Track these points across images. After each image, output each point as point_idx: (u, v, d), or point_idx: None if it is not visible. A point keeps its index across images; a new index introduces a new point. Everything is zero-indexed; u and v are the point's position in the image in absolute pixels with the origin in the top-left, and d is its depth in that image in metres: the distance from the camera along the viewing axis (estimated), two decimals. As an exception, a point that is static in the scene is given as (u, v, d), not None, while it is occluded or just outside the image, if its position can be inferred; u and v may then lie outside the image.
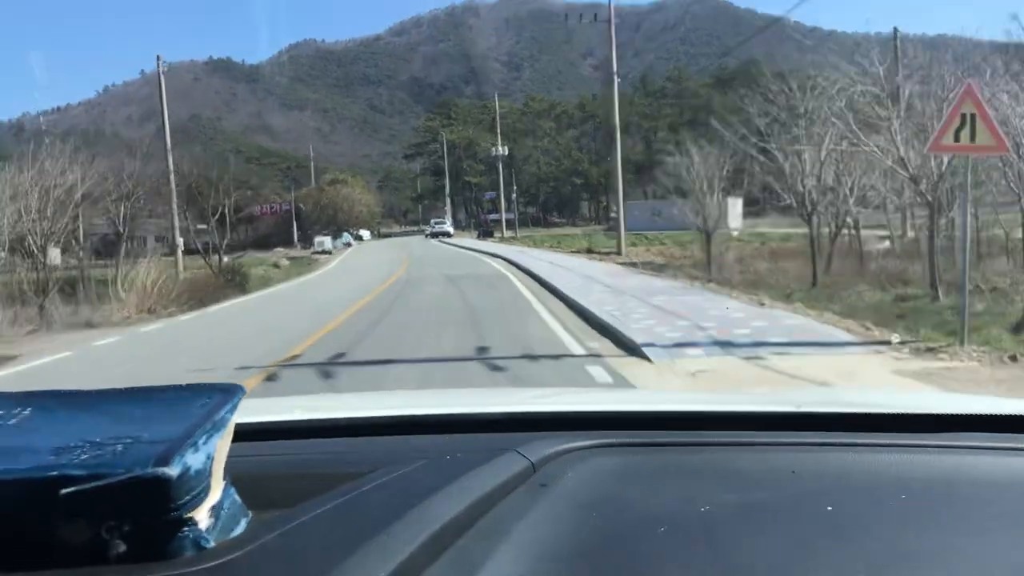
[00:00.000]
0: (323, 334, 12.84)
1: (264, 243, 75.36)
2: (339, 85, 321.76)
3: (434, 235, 73.97)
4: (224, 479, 0.71)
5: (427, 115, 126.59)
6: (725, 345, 9.33)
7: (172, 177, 34.54)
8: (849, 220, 22.47)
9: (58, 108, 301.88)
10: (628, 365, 8.80)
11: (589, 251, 36.58)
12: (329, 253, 50.56)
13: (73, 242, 32.18)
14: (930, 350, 8.56)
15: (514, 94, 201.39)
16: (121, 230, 32.36)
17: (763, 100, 24.16)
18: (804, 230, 19.87)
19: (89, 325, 17.76)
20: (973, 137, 8.55)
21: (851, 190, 19.26)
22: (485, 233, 68.67)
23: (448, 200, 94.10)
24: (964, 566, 0.79)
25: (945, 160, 12.46)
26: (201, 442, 0.67)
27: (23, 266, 22.35)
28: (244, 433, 0.77)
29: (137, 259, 29.72)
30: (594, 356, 9.52)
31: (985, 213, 18.92)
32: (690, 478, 1.03)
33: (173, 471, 0.62)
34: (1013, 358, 8.10)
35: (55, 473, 0.61)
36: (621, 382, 7.85)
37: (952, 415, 1.24)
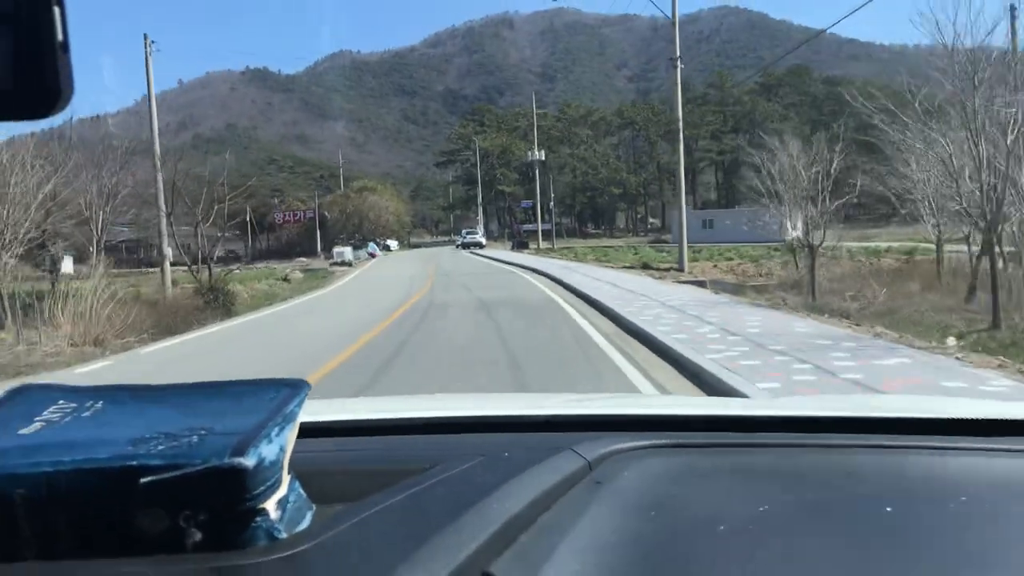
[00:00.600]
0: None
1: (287, 252, 70.34)
2: (374, 96, 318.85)
3: (465, 246, 68.64)
4: (289, 474, 0.72)
5: (460, 122, 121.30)
6: None
7: (159, 176, 29.08)
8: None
9: (96, 116, 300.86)
10: None
11: (645, 267, 30.77)
12: (349, 265, 45.20)
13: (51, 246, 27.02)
14: None
15: (548, 106, 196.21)
16: (97, 235, 26.93)
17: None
18: (900, 243, 14.91)
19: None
20: None
21: None
22: (520, 244, 62.97)
23: (480, 209, 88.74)
24: None
25: None
26: (274, 434, 0.68)
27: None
28: (302, 431, 0.78)
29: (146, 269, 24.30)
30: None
31: None
32: (746, 478, 1.02)
33: (249, 462, 0.63)
34: None
35: (134, 463, 0.63)
36: None
37: (1009, 420, 1.22)
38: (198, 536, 0.62)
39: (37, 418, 0.72)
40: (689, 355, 8.92)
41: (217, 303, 21.91)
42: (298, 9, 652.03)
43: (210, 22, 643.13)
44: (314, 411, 0.91)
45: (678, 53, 30.61)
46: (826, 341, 9.79)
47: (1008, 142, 12.08)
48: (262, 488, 0.65)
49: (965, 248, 18.82)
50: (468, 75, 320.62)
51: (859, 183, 22.46)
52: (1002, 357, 8.61)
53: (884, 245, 33.06)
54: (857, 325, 11.95)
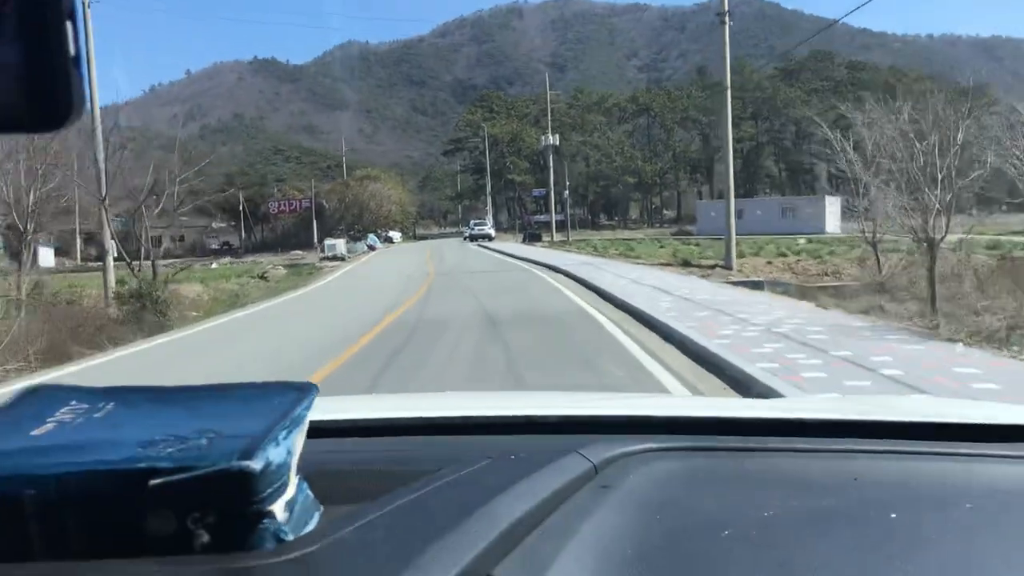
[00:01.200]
0: None
1: (282, 244, 65.24)
2: (382, 86, 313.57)
3: (473, 238, 63.45)
4: (297, 475, 0.72)
5: (468, 108, 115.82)
6: None
7: (101, 155, 23.92)
8: None
9: (105, 107, 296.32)
10: None
11: (685, 264, 25.51)
12: (342, 259, 40.07)
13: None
14: None
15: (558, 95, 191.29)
16: (24, 228, 21.85)
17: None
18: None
19: None
20: None
21: None
22: (531, 236, 57.64)
23: (489, 199, 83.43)
24: None
25: None
26: (281, 437, 0.69)
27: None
28: (311, 431, 0.79)
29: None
30: None
31: None
32: (753, 483, 1.02)
33: (257, 465, 0.64)
34: None
35: (144, 465, 0.63)
36: None
37: (1017, 426, 1.21)
38: (206, 538, 0.63)
39: (49, 419, 0.73)
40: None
41: (147, 312, 16.82)
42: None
43: (219, 12, 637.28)
44: (322, 410, 0.92)
45: (726, 8, 25.21)
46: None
47: None
48: (269, 491, 0.65)
49: None
50: (477, 65, 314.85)
51: (988, 159, 17.05)
52: None
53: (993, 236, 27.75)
54: None
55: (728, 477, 1.04)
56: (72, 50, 0.48)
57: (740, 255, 27.66)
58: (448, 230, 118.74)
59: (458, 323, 12.97)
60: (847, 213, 58.96)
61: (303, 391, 0.79)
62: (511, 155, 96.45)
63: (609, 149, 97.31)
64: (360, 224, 65.13)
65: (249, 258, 58.98)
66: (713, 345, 8.79)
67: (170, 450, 0.65)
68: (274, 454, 0.66)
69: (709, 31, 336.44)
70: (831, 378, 6.82)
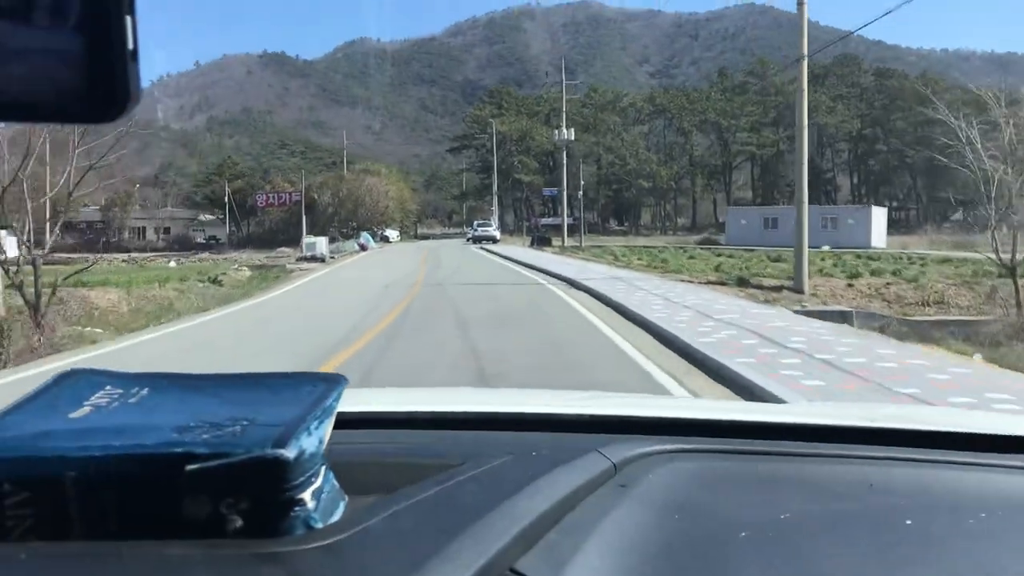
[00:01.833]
0: None
1: (269, 240, 59.43)
2: (392, 84, 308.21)
3: (476, 239, 57.66)
4: (323, 465, 0.73)
5: (476, 104, 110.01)
6: None
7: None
8: None
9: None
10: None
11: (742, 283, 19.66)
12: (322, 260, 34.22)
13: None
14: None
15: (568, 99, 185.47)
16: None
17: None
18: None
19: None
20: None
21: None
22: (540, 240, 51.68)
23: (495, 199, 77.60)
24: None
25: None
26: (313, 427, 0.69)
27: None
28: (338, 422, 0.80)
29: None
30: None
31: None
32: (770, 486, 1.02)
33: (291, 453, 0.64)
34: None
35: (180, 450, 0.64)
36: None
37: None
38: (239, 523, 0.64)
39: (86, 402, 0.74)
40: None
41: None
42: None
43: (229, 4, 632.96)
44: (345, 402, 0.90)
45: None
46: None
47: None
48: (301, 479, 0.66)
49: None
50: (488, 66, 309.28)
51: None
52: None
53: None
54: None
55: (746, 479, 1.04)
56: (131, 44, 0.49)
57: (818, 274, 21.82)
58: (452, 230, 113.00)
59: (440, 370, 7.20)
60: (895, 225, 52.28)
61: (332, 382, 0.80)
62: (519, 154, 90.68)
63: (623, 151, 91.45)
64: (355, 221, 59.40)
65: (232, 254, 53.32)
66: None
67: (205, 436, 0.66)
68: (307, 443, 0.67)
69: (723, 39, 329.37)
70: None
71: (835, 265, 29.67)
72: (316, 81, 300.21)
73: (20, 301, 14.75)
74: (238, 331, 13.96)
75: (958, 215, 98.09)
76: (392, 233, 63.47)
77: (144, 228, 72.99)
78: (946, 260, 30.41)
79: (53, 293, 15.40)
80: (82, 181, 18.78)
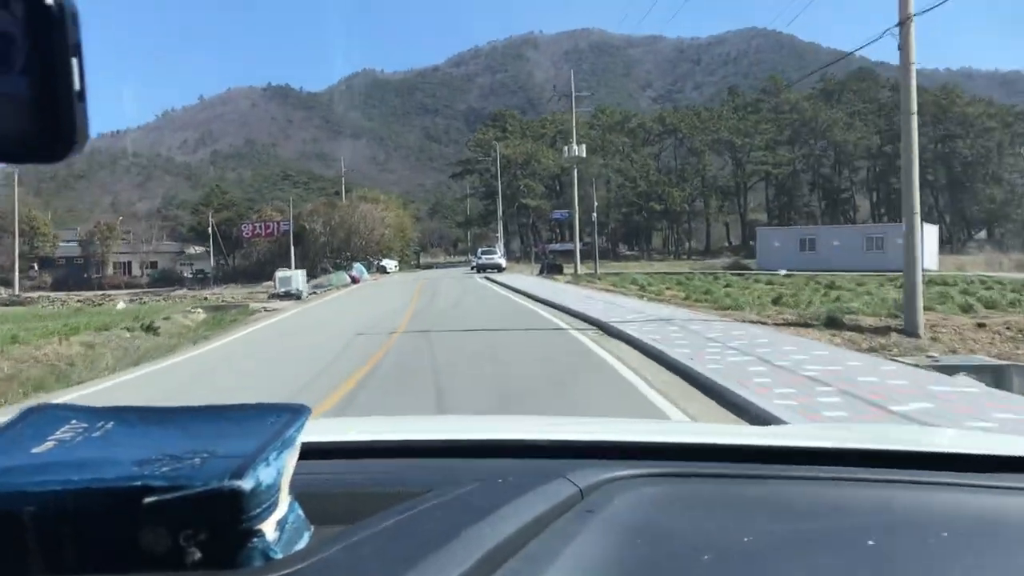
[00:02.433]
0: None
1: (257, 274, 54.22)
2: (396, 114, 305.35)
3: (481, 268, 52.50)
4: (289, 495, 0.72)
5: (480, 128, 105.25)
6: None
7: None
8: None
9: (117, 131, 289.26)
10: None
11: (832, 324, 14.22)
12: (297, 297, 28.88)
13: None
14: None
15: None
16: None
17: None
18: None
19: None
20: None
21: None
22: (551, 268, 46.33)
23: (500, 225, 72.51)
24: None
25: None
26: (272, 458, 0.69)
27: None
28: (305, 452, 0.79)
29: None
30: None
31: None
32: (735, 509, 1.02)
33: (247, 485, 0.64)
34: None
35: (139, 483, 0.64)
36: None
37: (1000, 456, 1.22)
38: (197, 555, 0.63)
39: (50, 437, 0.74)
40: None
41: None
42: (322, 27, 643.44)
43: (233, 39, 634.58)
44: (315, 431, 0.92)
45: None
46: None
47: None
48: (259, 510, 0.65)
49: None
50: (491, 94, 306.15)
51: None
52: None
53: None
54: None
55: (711, 503, 1.04)
56: (77, 85, 0.50)
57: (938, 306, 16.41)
58: (457, 259, 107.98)
59: None
60: (948, 244, 46.52)
61: (296, 413, 0.79)
62: (525, 177, 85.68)
63: (633, 173, 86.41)
64: (348, 251, 54.26)
65: (214, 290, 48.15)
66: None
67: (164, 469, 0.66)
68: (264, 474, 0.67)
69: (724, 63, 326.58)
70: None
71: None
72: (320, 113, 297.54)
73: None
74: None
75: (982, 233, 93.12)
76: (390, 263, 58.27)
77: (130, 263, 68.10)
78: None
79: None
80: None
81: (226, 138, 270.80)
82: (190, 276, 62.56)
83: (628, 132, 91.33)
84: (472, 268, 57.37)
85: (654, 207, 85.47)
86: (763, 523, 0.93)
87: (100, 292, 52.60)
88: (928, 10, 13.94)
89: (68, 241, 67.37)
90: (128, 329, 19.11)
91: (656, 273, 43.27)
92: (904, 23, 13.93)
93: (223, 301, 29.09)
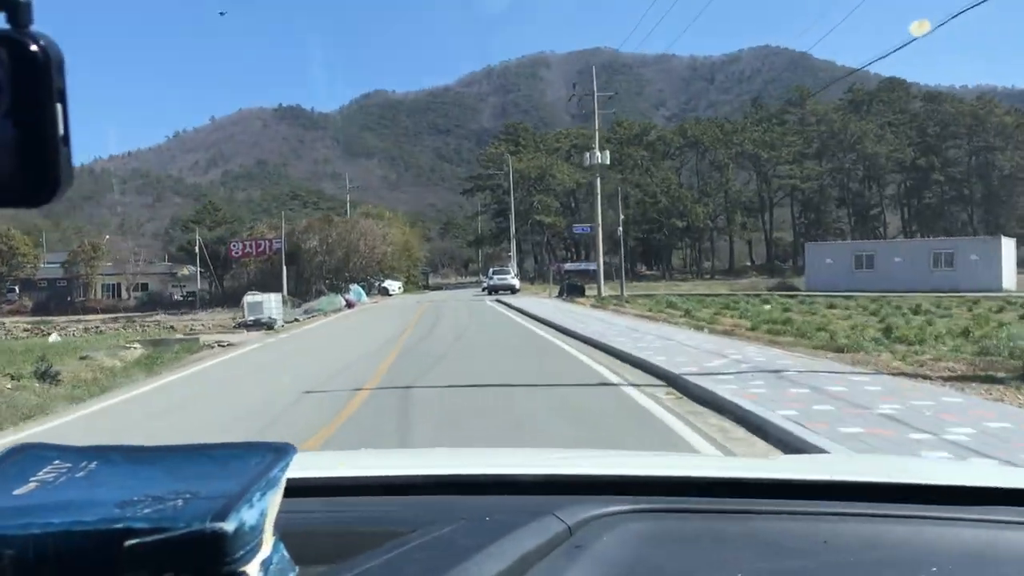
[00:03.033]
0: None
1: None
2: (407, 135, 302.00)
3: (493, 289, 47.48)
4: (274, 535, 0.71)
5: (492, 142, 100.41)
6: None
7: None
8: None
9: (128, 153, 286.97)
10: None
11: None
12: (269, 327, 23.65)
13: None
14: None
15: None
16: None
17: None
18: None
19: None
20: None
21: None
22: (572, 290, 40.98)
23: (513, 243, 67.42)
24: None
25: None
26: (256, 499, 0.68)
27: None
28: (290, 489, 0.79)
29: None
30: None
31: None
32: (724, 545, 1.01)
33: (229, 526, 0.63)
34: None
35: (121, 526, 0.63)
36: None
37: (988, 488, 1.20)
38: None
39: (32, 478, 0.73)
40: None
41: None
42: (333, 49, 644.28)
43: (245, 60, 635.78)
44: (301, 466, 0.91)
45: None
46: None
47: None
48: (242, 552, 0.64)
49: None
50: (503, 114, 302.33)
51: None
52: None
53: None
54: None
55: (700, 539, 1.03)
56: (61, 130, 0.50)
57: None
58: (468, 279, 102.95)
59: None
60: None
61: (280, 452, 0.79)
62: (539, 193, 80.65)
63: (653, 188, 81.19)
64: (347, 271, 49.24)
65: (200, 314, 43.10)
66: None
67: (147, 511, 0.65)
68: (248, 515, 0.66)
69: (739, 82, 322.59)
70: None
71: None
72: (331, 133, 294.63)
73: None
74: None
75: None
76: (393, 285, 53.11)
77: (119, 285, 63.34)
78: None
79: None
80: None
81: (237, 158, 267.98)
82: (180, 299, 57.66)
83: (647, 145, 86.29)
84: (483, 289, 52.37)
85: (676, 224, 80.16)
86: (751, 560, 0.92)
87: (74, 317, 47.71)
88: None
89: (51, 263, 62.91)
90: (13, 377, 13.99)
91: (691, 295, 37.96)
92: None
93: (172, 333, 23.91)
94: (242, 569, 0.64)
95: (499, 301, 37.02)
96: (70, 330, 31.51)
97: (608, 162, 42.84)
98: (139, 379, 13.89)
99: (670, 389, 9.40)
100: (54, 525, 0.63)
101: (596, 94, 41.82)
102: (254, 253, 51.27)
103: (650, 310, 27.25)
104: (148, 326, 31.13)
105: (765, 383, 8.93)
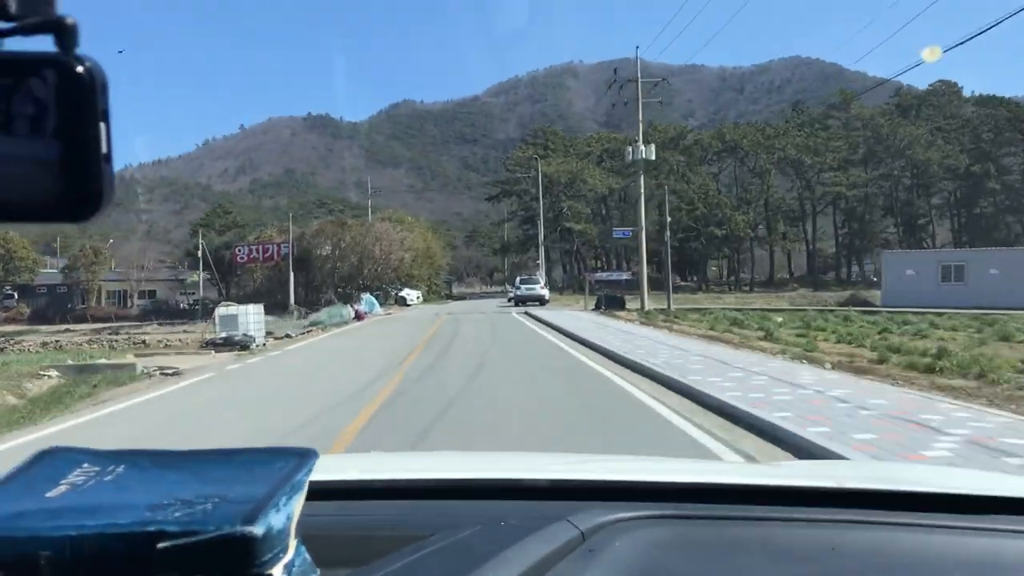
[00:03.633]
0: None
1: (253, 303, 44.83)
2: (435, 144, 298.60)
3: (520, 300, 42.51)
4: (296, 538, 0.71)
5: (520, 145, 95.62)
6: None
7: None
8: None
9: (158, 160, 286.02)
10: None
11: None
12: (243, 347, 18.74)
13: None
14: None
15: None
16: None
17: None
18: None
19: None
20: None
21: None
22: (610, 302, 35.78)
23: (542, 251, 62.51)
24: None
25: None
26: (282, 503, 0.68)
27: None
28: (308, 493, 0.77)
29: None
30: None
31: None
32: (734, 551, 1.01)
33: (259, 530, 0.63)
34: None
35: (152, 528, 0.63)
36: None
37: (995, 497, 1.19)
38: None
39: (63, 481, 0.72)
40: None
41: None
42: (362, 58, 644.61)
43: (275, 70, 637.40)
44: (321, 468, 0.90)
45: None
46: None
47: None
48: (269, 555, 0.64)
49: None
50: (531, 124, 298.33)
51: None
52: None
53: None
54: None
55: (711, 544, 1.03)
56: (105, 148, 0.51)
57: None
58: (493, 288, 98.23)
59: None
60: None
61: (304, 457, 0.78)
62: (569, 199, 75.65)
63: (690, 194, 75.81)
64: (360, 278, 44.57)
65: (199, 325, 38.56)
66: None
67: (177, 514, 0.65)
68: (275, 519, 0.66)
69: (768, 92, 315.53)
70: None
71: None
72: (360, 142, 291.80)
73: None
74: None
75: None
76: (412, 294, 48.27)
77: (125, 292, 59.21)
78: None
79: None
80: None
81: (266, 167, 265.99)
82: (186, 307, 53.34)
83: (683, 150, 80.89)
84: (509, 300, 47.50)
85: (714, 232, 74.68)
86: (762, 566, 0.92)
87: (63, 327, 43.46)
88: None
89: (50, 268, 59.06)
90: None
91: (748, 309, 32.77)
92: None
93: (142, 349, 19.20)
94: (268, 572, 0.64)
95: (527, 314, 32.08)
96: (35, 341, 27.01)
97: (653, 157, 37.71)
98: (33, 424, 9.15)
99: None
100: (88, 527, 0.63)
101: (640, 79, 36.85)
102: (261, 258, 46.70)
103: (712, 328, 22.18)
104: (116, 342, 26.53)
105: None
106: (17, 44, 0.50)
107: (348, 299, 38.74)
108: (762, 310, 32.27)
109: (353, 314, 32.64)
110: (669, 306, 32.81)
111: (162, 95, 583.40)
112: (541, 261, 60.66)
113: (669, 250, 38.70)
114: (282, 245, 44.49)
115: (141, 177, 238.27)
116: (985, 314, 25.27)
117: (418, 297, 48.95)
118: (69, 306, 54.76)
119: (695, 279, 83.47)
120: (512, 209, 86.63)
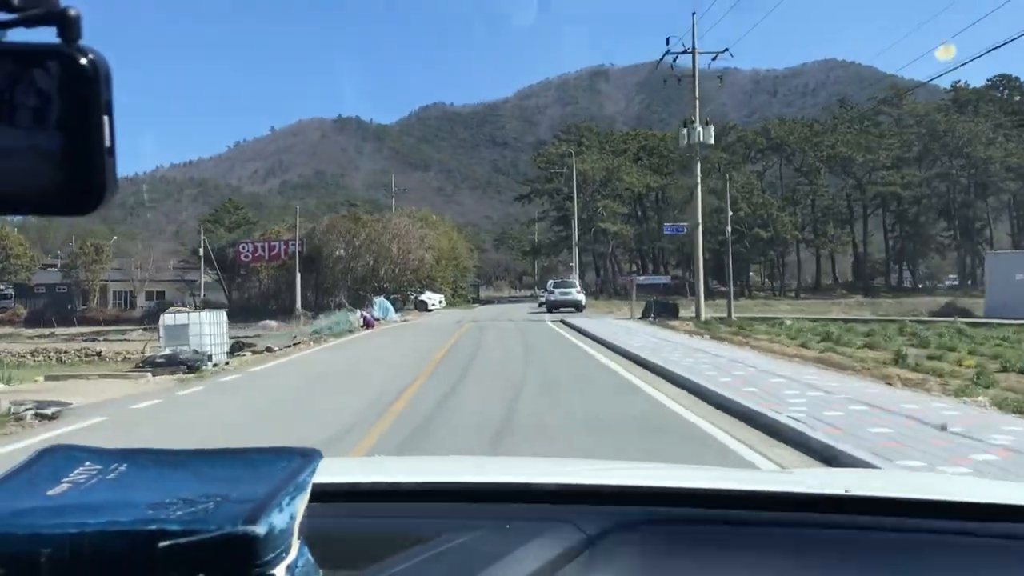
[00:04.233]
0: None
1: (259, 310, 40.29)
2: (464, 146, 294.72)
3: (554, 306, 37.52)
4: (299, 538, 0.70)
5: (553, 142, 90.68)
6: None
7: None
8: None
9: (189, 162, 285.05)
10: None
11: None
12: (193, 369, 13.99)
13: None
14: None
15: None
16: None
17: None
18: None
19: None
20: None
21: None
22: (662, 309, 30.65)
23: (575, 252, 57.64)
24: None
25: None
26: (285, 503, 0.67)
27: None
28: (313, 494, 0.77)
29: None
30: None
31: None
32: (738, 555, 1.00)
33: (260, 530, 0.62)
34: None
35: (154, 527, 0.62)
36: None
37: (1008, 505, 1.17)
38: None
39: (64, 479, 0.72)
40: None
41: None
42: (394, 61, 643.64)
43: (305, 72, 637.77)
44: (326, 471, 0.89)
45: None
46: None
47: None
48: (271, 555, 0.64)
49: None
50: (561, 126, 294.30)
51: None
52: None
53: None
54: None
55: (714, 548, 1.02)
56: (108, 141, 0.50)
57: None
58: (522, 292, 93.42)
59: None
60: None
61: (307, 457, 0.77)
62: (603, 198, 70.61)
63: (733, 194, 70.31)
64: (375, 280, 40.01)
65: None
66: None
67: (179, 513, 0.64)
68: (278, 519, 0.65)
69: (802, 95, 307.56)
70: None
71: None
72: (390, 144, 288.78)
73: None
74: None
75: None
76: (433, 298, 43.59)
77: (130, 292, 55.30)
78: None
79: None
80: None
81: (296, 168, 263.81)
82: (192, 309, 49.17)
83: (725, 147, 75.51)
84: (540, 305, 42.69)
85: (759, 234, 69.24)
86: (767, 572, 0.91)
87: (47, 330, 39.38)
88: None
89: (49, 267, 55.39)
90: None
91: (821, 319, 27.57)
92: None
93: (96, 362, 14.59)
94: (271, 572, 0.64)
95: (563, 322, 27.21)
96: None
97: (712, 140, 32.80)
98: None
99: None
100: (89, 525, 0.63)
101: (696, 52, 31.96)
102: (266, 257, 42.28)
103: (803, 346, 17.18)
104: (67, 353, 22.01)
105: None
106: (20, 35, 0.50)
107: (361, 303, 34.19)
108: (839, 320, 27.07)
109: (361, 321, 27.98)
110: (730, 314, 27.78)
111: (193, 95, 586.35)
112: (575, 263, 55.83)
113: (730, 248, 33.59)
114: (290, 243, 40.09)
115: (175, 177, 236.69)
116: None
117: (440, 301, 44.25)
118: (69, 307, 50.91)
119: (738, 284, 78.09)
120: (543, 209, 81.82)
